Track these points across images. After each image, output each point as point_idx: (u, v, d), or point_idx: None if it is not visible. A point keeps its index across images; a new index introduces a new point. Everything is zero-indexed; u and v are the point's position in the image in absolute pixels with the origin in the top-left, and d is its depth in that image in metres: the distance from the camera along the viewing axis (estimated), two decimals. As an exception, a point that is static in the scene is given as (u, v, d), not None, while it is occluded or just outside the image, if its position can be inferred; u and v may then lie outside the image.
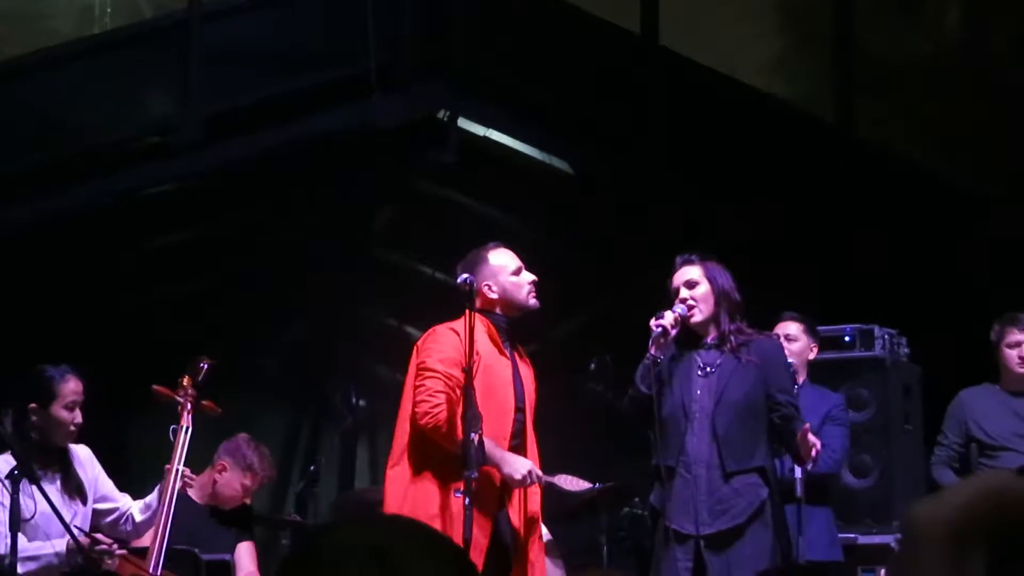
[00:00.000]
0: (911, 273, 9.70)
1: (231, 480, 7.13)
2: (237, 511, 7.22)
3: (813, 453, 5.83)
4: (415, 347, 5.97)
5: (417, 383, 5.80)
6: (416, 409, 5.76)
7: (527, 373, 6.08)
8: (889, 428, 7.99)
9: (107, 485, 6.07)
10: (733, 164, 9.77)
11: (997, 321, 7.24)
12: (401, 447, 5.86)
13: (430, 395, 5.74)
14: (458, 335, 5.80)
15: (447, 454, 5.71)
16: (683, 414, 5.85)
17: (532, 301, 6.04)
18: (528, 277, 6.05)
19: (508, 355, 5.99)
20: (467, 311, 5.75)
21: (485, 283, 5.97)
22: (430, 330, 5.97)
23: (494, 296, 5.99)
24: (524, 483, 5.78)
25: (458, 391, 5.71)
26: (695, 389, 5.88)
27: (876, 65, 11.18)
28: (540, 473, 5.86)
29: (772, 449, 6.03)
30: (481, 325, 5.90)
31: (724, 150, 9.80)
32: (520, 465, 5.77)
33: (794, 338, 7.13)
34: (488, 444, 5.69)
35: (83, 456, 6.04)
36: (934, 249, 9.81)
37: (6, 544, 5.45)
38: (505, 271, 6.02)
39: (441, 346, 5.83)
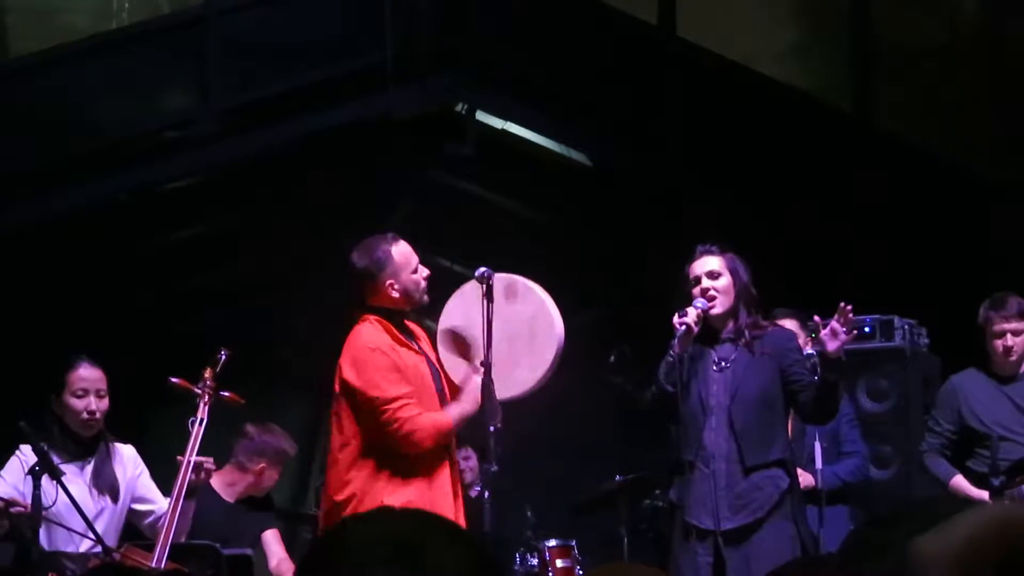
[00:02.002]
0: (931, 262, 9.67)
1: (272, 474, 7.29)
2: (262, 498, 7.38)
3: (838, 325, 5.69)
4: (343, 376, 5.74)
5: (388, 417, 5.62)
6: (409, 439, 5.61)
7: (432, 353, 5.96)
8: (909, 419, 7.98)
9: (148, 487, 6.07)
10: (751, 154, 9.75)
11: (985, 303, 6.91)
12: (344, 479, 5.71)
13: (413, 424, 5.63)
14: (380, 351, 5.70)
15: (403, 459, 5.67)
16: (701, 409, 5.83)
17: (425, 298, 5.87)
18: (424, 272, 5.88)
19: (416, 347, 5.87)
20: (484, 300, 5.75)
21: (388, 281, 5.78)
22: (351, 359, 5.74)
23: (396, 295, 5.81)
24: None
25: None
26: (711, 384, 5.86)
27: (894, 53, 11.14)
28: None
29: (789, 442, 6.03)
30: (380, 328, 5.77)
31: (742, 140, 9.78)
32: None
33: None
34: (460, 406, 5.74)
35: (126, 455, 6.04)
36: (954, 238, 9.77)
37: None
38: (408, 268, 5.83)
39: (381, 371, 5.68)
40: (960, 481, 6.87)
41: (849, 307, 5.74)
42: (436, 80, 9.35)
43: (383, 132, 9.27)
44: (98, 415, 5.89)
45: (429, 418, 5.66)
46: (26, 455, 5.67)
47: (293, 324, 10.51)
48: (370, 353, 5.70)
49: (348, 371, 5.72)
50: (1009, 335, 6.82)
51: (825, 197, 9.88)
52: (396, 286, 5.79)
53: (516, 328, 5.87)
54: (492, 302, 5.76)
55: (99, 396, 5.89)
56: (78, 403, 5.85)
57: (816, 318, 5.91)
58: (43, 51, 9.55)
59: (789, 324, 7.09)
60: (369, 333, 5.76)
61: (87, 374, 5.89)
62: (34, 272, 8.96)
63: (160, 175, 9.33)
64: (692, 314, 5.80)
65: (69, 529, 5.59)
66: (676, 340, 5.75)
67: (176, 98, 9.66)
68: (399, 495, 5.61)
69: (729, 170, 9.78)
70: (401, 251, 5.85)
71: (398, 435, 5.61)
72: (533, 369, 5.84)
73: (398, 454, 5.66)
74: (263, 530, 7.22)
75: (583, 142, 9.73)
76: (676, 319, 5.79)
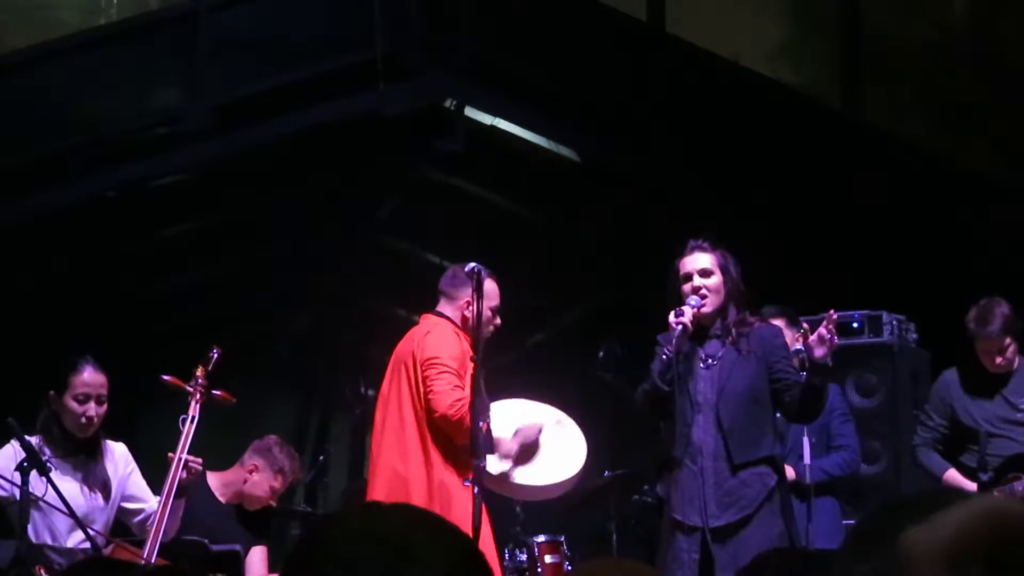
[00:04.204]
0: (919, 258, 9.69)
1: (261, 482, 7.14)
2: (259, 513, 7.21)
3: (826, 332, 5.66)
4: (416, 341, 6.20)
5: (435, 375, 6.05)
6: (443, 399, 6.00)
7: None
8: (898, 414, 7.99)
9: (138, 485, 6.05)
10: (740, 151, 9.76)
11: (970, 314, 6.88)
12: (416, 443, 6.09)
13: (453, 388, 6.02)
14: (457, 335, 6.17)
15: (460, 447, 6.00)
16: (688, 406, 5.83)
17: (485, 339, 6.23)
18: (496, 321, 6.27)
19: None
20: (474, 295, 5.83)
21: (464, 300, 6.23)
22: (431, 325, 6.25)
23: (468, 315, 6.21)
24: None
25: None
26: (699, 381, 5.85)
27: (883, 49, 11.16)
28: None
29: (779, 437, 6.02)
30: (464, 341, 6.21)
31: (731, 137, 9.79)
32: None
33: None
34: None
35: (117, 453, 6.01)
36: (942, 233, 9.79)
37: None
38: (490, 301, 6.19)
39: (449, 344, 6.12)
40: (953, 475, 6.89)
41: (836, 315, 5.76)
42: (426, 77, 9.34)
43: (373, 128, 9.27)
44: (96, 420, 5.86)
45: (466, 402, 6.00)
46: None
47: (283, 322, 10.52)
48: (449, 330, 6.22)
49: (426, 334, 6.20)
50: (997, 355, 6.86)
51: (814, 194, 9.89)
52: (468, 308, 6.20)
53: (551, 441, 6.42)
54: (482, 298, 5.85)
55: (99, 402, 5.85)
56: (78, 408, 5.81)
57: (805, 324, 5.93)
58: (31, 47, 9.53)
59: (777, 322, 7.09)
60: (449, 330, 6.27)
61: (91, 379, 5.84)
62: (24, 269, 8.95)
63: (150, 171, 9.32)
64: (688, 313, 5.78)
65: (67, 514, 5.56)
66: (674, 339, 5.73)
67: (166, 95, 9.64)
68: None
69: (717, 167, 9.79)
70: (492, 284, 6.25)
71: (436, 391, 6.01)
72: (553, 474, 6.38)
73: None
74: (252, 544, 7.11)
75: (572, 138, 9.73)
76: (673, 319, 5.76)
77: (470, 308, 6.12)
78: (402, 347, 6.35)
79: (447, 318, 6.29)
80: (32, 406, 5.95)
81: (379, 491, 6.17)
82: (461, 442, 5.95)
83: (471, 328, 6.15)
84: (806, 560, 2.58)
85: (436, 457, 6.05)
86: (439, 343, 6.14)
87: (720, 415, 5.78)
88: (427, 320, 6.36)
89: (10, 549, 5.48)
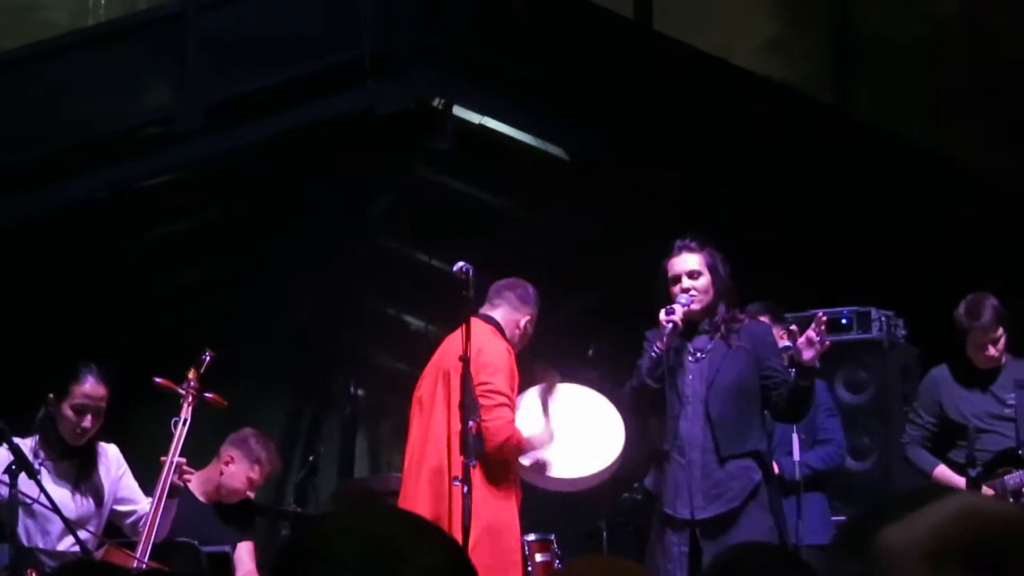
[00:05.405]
0: (909, 253, 9.70)
1: (237, 473, 7.05)
2: (239, 507, 7.15)
3: (815, 335, 5.71)
4: (474, 349, 6.06)
5: (492, 407, 6.08)
6: (496, 435, 6.07)
7: None
8: (888, 410, 8.00)
9: (130, 487, 6.03)
10: (731, 147, 9.77)
11: (960, 309, 6.88)
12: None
13: (506, 423, 6.11)
14: (508, 352, 6.25)
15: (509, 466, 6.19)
16: (677, 399, 5.84)
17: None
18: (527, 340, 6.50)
19: None
20: (465, 296, 5.85)
21: (525, 319, 6.44)
22: (481, 336, 6.13)
23: (517, 332, 6.42)
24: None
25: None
26: (687, 374, 5.87)
27: (873, 44, 11.16)
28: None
29: (767, 433, 6.05)
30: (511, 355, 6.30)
31: (721, 133, 9.79)
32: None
33: None
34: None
35: (110, 455, 5.99)
36: (932, 228, 9.80)
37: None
38: (534, 319, 6.47)
39: (502, 366, 6.18)
40: (944, 471, 6.90)
41: (825, 318, 5.78)
42: (415, 76, 9.34)
43: (362, 127, 9.27)
44: (90, 432, 5.84)
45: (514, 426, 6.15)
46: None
47: (273, 322, 10.51)
48: (503, 350, 6.29)
49: (484, 346, 6.19)
50: (990, 346, 6.87)
51: (805, 190, 9.90)
52: (521, 326, 6.44)
53: (585, 424, 6.55)
54: (472, 296, 5.89)
55: (96, 415, 5.81)
56: (74, 417, 5.77)
57: (793, 327, 5.97)
58: (21, 48, 9.52)
59: (762, 319, 7.10)
60: (501, 347, 6.36)
61: (91, 391, 5.80)
62: (14, 270, 8.94)
63: (141, 171, 9.31)
64: (679, 311, 5.79)
65: (62, 518, 5.56)
66: (664, 336, 5.75)
67: (156, 94, 9.64)
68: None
69: (707, 163, 9.79)
70: (538, 303, 6.54)
71: (490, 418, 6.05)
72: (586, 465, 6.48)
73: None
74: (239, 540, 7.07)
75: (560, 136, 9.73)
76: (663, 317, 5.78)
77: (527, 326, 6.42)
78: (448, 354, 6.25)
79: (496, 324, 6.38)
80: (23, 406, 5.94)
81: (425, 500, 6.10)
82: (512, 458, 6.19)
83: (512, 340, 6.37)
84: (783, 557, 2.59)
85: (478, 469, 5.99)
86: (494, 367, 6.16)
87: (708, 408, 5.81)
88: (477, 327, 6.18)
89: (3, 553, 5.48)
